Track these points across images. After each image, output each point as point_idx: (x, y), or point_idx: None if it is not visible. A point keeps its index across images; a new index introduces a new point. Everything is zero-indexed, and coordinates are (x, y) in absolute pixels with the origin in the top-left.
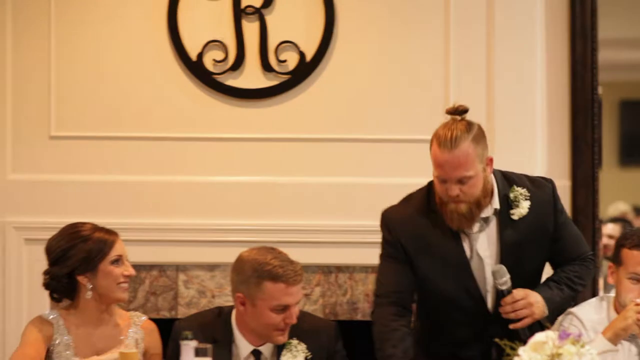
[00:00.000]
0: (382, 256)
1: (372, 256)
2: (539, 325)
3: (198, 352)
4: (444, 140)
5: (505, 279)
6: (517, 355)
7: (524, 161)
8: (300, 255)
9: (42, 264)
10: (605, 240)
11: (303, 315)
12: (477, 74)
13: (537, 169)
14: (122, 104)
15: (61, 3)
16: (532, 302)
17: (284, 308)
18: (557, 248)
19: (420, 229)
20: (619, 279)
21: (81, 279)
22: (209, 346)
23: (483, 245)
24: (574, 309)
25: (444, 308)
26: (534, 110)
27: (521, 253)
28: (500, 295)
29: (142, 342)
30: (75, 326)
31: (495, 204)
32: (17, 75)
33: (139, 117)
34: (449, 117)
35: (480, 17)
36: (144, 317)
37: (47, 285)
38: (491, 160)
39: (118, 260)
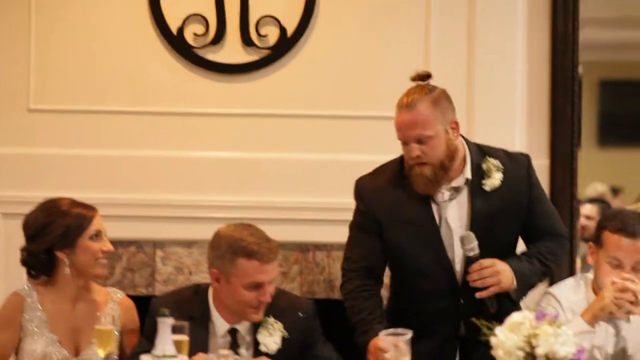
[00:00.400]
0: (352, 227)
1: None
2: (509, 299)
3: (175, 329)
4: (402, 104)
5: (473, 245)
6: (494, 335)
7: (503, 138)
8: (278, 233)
9: (20, 238)
10: (582, 221)
11: (280, 293)
12: (457, 50)
13: (516, 147)
14: (101, 77)
15: None
16: (499, 270)
17: (258, 285)
18: (529, 222)
19: (392, 197)
20: (598, 260)
21: (59, 254)
22: (185, 324)
23: (453, 214)
24: (551, 289)
25: (415, 279)
26: (514, 88)
27: (492, 224)
28: (468, 262)
29: (119, 319)
30: (52, 302)
31: (467, 173)
32: None
33: (118, 90)
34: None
35: None
36: (121, 294)
37: (24, 262)
38: (456, 123)
39: (97, 236)
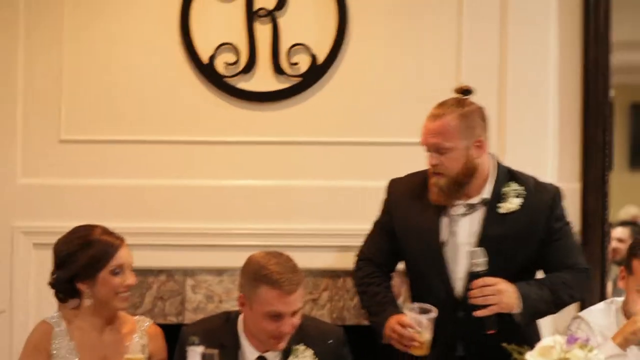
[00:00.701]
0: (375, 221)
1: None
2: (511, 322)
3: (204, 358)
4: (432, 111)
5: (481, 261)
6: (525, 359)
7: (535, 162)
8: (308, 260)
9: (51, 268)
10: (614, 244)
11: (310, 320)
12: (489, 75)
13: (547, 171)
14: (132, 107)
15: (73, 5)
16: (502, 289)
17: (278, 315)
18: (547, 254)
19: (410, 203)
20: (629, 286)
21: (81, 286)
22: (215, 351)
23: (463, 230)
24: (581, 313)
25: (418, 285)
26: (546, 112)
27: (502, 247)
28: (473, 278)
29: (147, 347)
30: (80, 330)
31: (486, 193)
32: (27, 78)
33: (149, 120)
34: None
35: (494, 18)
36: (149, 322)
37: (51, 285)
38: (481, 142)
39: (119, 270)
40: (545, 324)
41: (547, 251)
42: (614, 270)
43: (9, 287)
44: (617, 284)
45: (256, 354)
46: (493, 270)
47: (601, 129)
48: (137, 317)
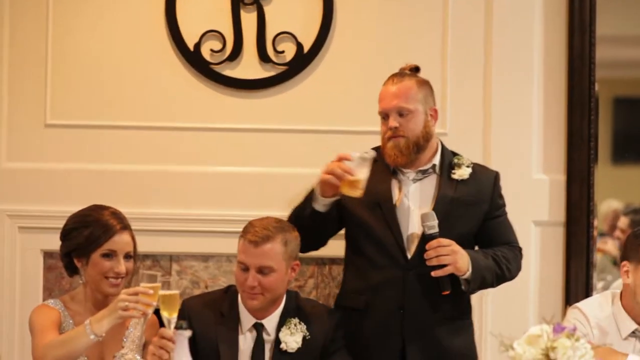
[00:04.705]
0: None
1: None
2: (463, 286)
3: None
4: (390, 78)
5: (433, 223)
6: (512, 348)
7: (520, 155)
8: None
9: (36, 252)
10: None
11: (308, 301)
12: (474, 67)
13: (532, 163)
14: (118, 92)
15: None
16: (457, 250)
17: (245, 268)
18: (487, 227)
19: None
20: (638, 277)
21: (77, 262)
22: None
23: (414, 195)
24: (579, 304)
25: (367, 247)
26: (531, 105)
27: (453, 211)
28: (427, 240)
29: (144, 334)
30: (78, 315)
31: (436, 160)
32: (13, 63)
33: (135, 106)
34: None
35: (479, 10)
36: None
37: (60, 258)
38: (435, 111)
39: (110, 255)
40: (532, 312)
41: (488, 225)
42: (601, 262)
43: None
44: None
45: (253, 321)
46: (443, 233)
47: (586, 122)
48: None
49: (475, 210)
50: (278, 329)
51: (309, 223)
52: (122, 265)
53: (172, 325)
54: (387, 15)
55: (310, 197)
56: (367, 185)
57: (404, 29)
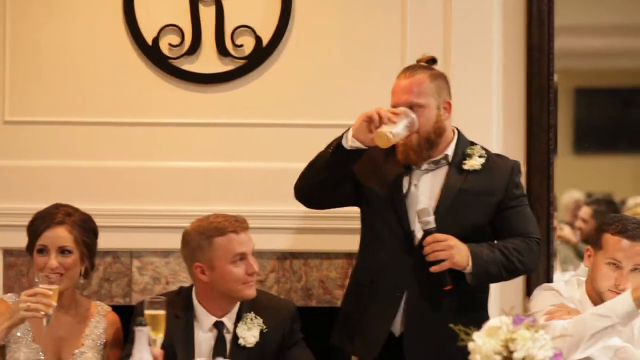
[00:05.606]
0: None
1: (327, 243)
2: (465, 282)
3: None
4: (403, 71)
5: (429, 219)
6: (472, 340)
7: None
8: (256, 241)
9: None
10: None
11: (264, 294)
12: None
13: None
14: (76, 88)
15: None
16: (452, 244)
17: (241, 257)
18: (502, 218)
19: (381, 156)
20: (596, 263)
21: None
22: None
23: (424, 186)
24: (549, 284)
25: (378, 235)
26: (490, 96)
27: (460, 202)
28: (425, 236)
29: (104, 332)
30: None
31: (449, 151)
32: None
33: (94, 101)
34: None
35: (438, 2)
36: (108, 308)
37: None
38: (449, 104)
39: (42, 250)
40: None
41: (503, 216)
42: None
43: None
44: (584, 264)
45: (213, 320)
46: (448, 226)
47: (545, 112)
48: (96, 302)
49: (487, 201)
50: (236, 325)
51: (327, 162)
52: (53, 260)
53: (159, 345)
54: (345, 8)
55: (340, 137)
56: (380, 173)
57: (363, 22)
